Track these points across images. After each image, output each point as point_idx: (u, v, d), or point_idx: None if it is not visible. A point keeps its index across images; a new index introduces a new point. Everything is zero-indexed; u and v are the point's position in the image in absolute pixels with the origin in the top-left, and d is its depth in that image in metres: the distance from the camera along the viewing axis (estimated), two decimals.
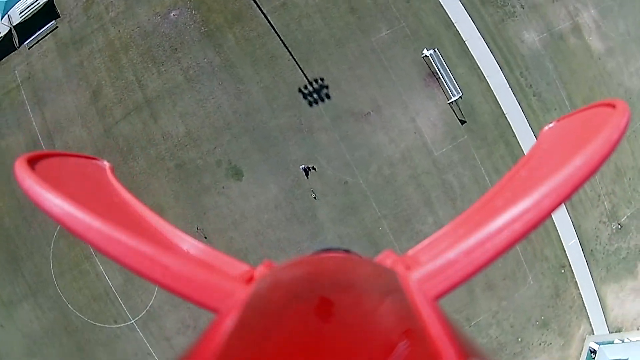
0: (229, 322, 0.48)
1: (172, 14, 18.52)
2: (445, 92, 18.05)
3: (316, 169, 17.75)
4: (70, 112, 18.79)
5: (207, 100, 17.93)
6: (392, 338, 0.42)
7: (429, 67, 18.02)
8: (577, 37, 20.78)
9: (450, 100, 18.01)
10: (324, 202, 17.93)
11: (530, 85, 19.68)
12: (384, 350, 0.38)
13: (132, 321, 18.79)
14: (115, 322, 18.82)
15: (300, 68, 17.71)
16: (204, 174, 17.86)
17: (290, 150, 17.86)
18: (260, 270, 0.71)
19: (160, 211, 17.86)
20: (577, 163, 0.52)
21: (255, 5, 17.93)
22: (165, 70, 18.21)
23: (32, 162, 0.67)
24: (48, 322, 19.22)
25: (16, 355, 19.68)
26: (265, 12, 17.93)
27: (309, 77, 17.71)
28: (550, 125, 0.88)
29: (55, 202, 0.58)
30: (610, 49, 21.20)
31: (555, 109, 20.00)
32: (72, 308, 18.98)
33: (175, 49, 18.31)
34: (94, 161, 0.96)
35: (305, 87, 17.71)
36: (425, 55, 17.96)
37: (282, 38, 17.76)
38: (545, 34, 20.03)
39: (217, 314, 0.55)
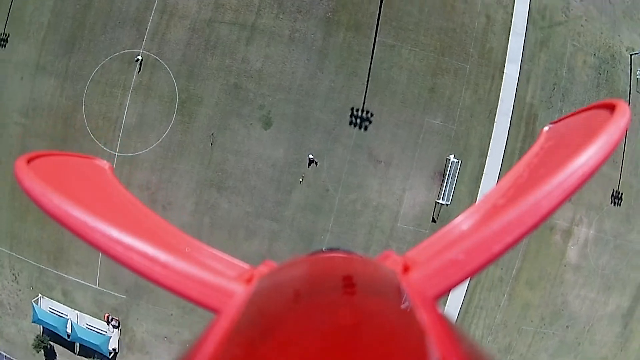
0: (229, 322, 0.49)
1: None
2: (440, 192, 20.76)
3: (317, 165, 20.36)
4: None
5: (290, 62, 20.63)
6: (392, 338, 0.41)
7: (444, 168, 20.76)
8: (563, 238, 22.76)
9: (438, 201, 20.75)
10: (303, 189, 20.58)
11: None
12: (385, 351, 0.38)
13: (116, 154, 21.34)
14: (104, 144, 21.26)
15: (365, 96, 20.52)
16: (247, 105, 20.50)
17: (312, 139, 20.54)
18: (260, 270, 0.72)
19: (199, 102, 20.91)
20: (579, 163, 0.53)
21: (375, 31, 20.99)
22: (281, 18, 20.71)
23: (32, 162, 0.68)
24: (61, 108, 21.34)
25: (12, 112, 21.80)
26: (376, 40, 20.83)
27: (365, 106, 20.53)
28: (551, 125, 0.90)
29: (55, 202, 0.58)
30: (579, 266, 23.15)
31: (502, 268, 22.78)
32: (84, 109, 21.22)
33: (300, 10, 20.74)
34: (94, 161, 0.98)
35: (357, 110, 20.54)
36: (449, 159, 20.63)
37: (371, 67, 20.63)
38: None
39: (217, 313, 0.56)
